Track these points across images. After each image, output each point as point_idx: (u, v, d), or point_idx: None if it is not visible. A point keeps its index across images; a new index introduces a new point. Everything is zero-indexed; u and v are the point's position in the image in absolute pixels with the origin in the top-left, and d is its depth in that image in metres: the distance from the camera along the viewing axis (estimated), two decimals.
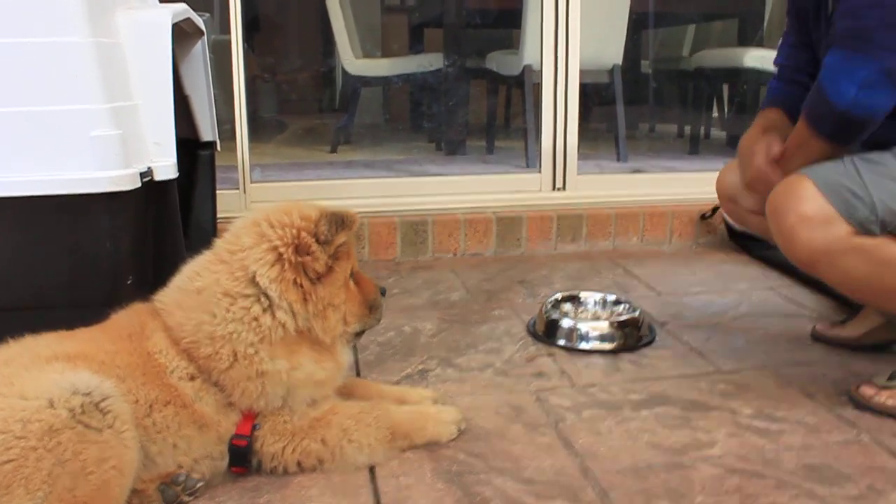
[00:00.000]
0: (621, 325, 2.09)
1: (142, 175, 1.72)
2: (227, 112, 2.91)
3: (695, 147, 4.65)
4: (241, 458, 1.37)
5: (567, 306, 2.26)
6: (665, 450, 1.54)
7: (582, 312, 2.25)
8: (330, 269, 1.39)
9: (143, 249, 1.82)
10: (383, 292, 1.55)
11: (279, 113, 5.77)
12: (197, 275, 1.36)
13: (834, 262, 1.61)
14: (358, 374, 1.87)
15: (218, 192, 2.53)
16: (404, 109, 5.60)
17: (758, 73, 4.08)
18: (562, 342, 2.08)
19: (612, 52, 3.95)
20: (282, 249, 1.34)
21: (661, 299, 2.48)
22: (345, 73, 4.64)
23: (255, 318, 1.33)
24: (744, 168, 1.85)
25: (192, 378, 1.32)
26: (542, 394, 1.79)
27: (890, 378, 1.71)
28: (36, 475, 1.09)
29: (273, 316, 1.33)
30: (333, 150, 4.64)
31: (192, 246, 2.12)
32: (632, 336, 2.08)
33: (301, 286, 1.35)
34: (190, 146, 2.33)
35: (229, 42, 2.88)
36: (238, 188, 2.91)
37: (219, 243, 1.40)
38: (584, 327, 2.09)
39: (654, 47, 5.39)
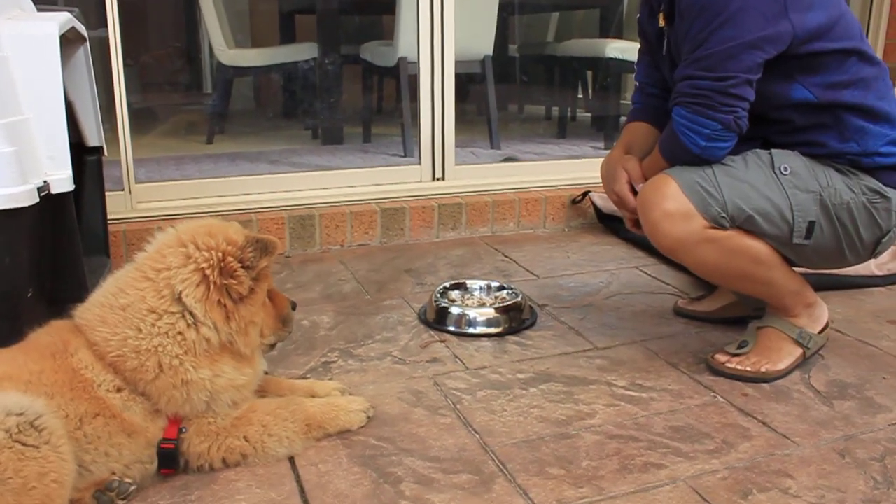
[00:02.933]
0: (506, 310, 2.27)
1: (39, 190, 1.74)
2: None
3: (562, 130, 4.91)
4: (170, 460, 1.45)
5: (455, 294, 2.43)
6: (552, 422, 1.73)
7: (469, 299, 2.41)
8: (251, 291, 1.49)
9: (41, 262, 1.84)
10: (294, 307, 1.66)
11: (144, 99, 5.61)
12: (121, 291, 1.43)
13: (690, 251, 1.85)
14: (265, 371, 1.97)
15: None
16: (277, 97, 5.59)
17: (618, 63, 4.38)
18: (452, 328, 2.24)
19: (484, 43, 4.12)
20: (208, 272, 1.43)
21: (539, 282, 2.69)
22: (218, 63, 4.60)
23: (180, 333, 1.41)
24: (610, 180, 2.07)
25: (119, 390, 1.40)
26: (439, 378, 1.95)
27: (739, 346, 1.97)
28: None
29: (197, 331, 1.42)
30: (210, 141, 4.62)
31: (85, 252, 2.14)
32: (515, 319, 2.27)
33: (225, 306, 1.45)
34: (76, 151, 2.33)
35: (99, 37, 2.83)
36: (123, 189, 2.90)
37: (142, 259, 1.47)
38: (471, 313, 2.26)
39: (521, 33, 5.62)
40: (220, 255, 1.44)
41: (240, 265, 1.45)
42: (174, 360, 1.41)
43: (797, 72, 1.81)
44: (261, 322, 1.53)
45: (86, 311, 1.45)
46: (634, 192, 1.98)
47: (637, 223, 1.97)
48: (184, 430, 1.46)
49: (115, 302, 1.42)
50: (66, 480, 1.24)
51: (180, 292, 1.41)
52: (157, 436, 1.44)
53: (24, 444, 1.20)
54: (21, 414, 1.23)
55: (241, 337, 1.47)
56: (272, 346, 1.64)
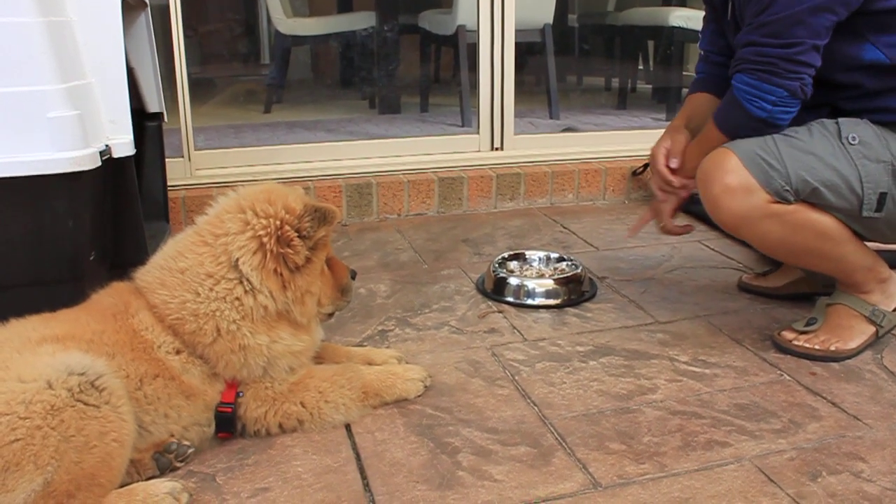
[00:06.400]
0: (565, 282, 2.23)
1: (101, 154, 1.75)
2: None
3: (622, 101, 4.80)
4: (227, 424, 1.46)
5: (513, 264, 2.39)
6: (613, 396, 1.69)
7: (527, 270, 2.38)
8: (308, 261, 1.47)
9: (103, 225, 1.86)
10: (353, 275, 1.64)
11: (203, 68, 5.63)
12: (180, 255, 1.43)
13: (753, 227, 1.77)
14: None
15: None
16: (335, 66, 5.57)
17: (682, 32, 4.25)
18: (510, 299, 2.21)
19: (544, 12, 4.03)
20: (265, 240, 1.42)
21: (598, 254, 2.63)
22: (276, 32, 4.60)
23: (238, 298, 1.41)
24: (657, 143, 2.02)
25: (178, 352, 1.40)
26: (497, 349, 1.92)
27: (807, 324, 1.90)
28: (44, 452, 1.16)
29: (255, 298, 1.42)
30: (267, 111, 4.63)
31: (145, 217, 2.16)
32: (575, 291, 2.22)
33: (281, 275, 1.44)
34: (136, 117, 2.35)
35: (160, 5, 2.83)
36: (182, 156, 2.92)
37: (202, 224, 1.47)
38: (530, 284, 2.22)
39: (581, 2, 5.49)
40: (277, 223, 1.42)
41: (297, 234, 1.44)
42: (231, 325, 1.40)
43: (869, 31, 1.71)
44: (318, 291, 1.51)
45: (146, 274, 1.46)
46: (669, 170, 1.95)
47: (662, 189, 1.96)
48: (241, 394, 1.46)
49: (174, 265, 1.42)
50: (127, 440, 1.25)
51: (237, 259, 1.41)
52: (215, 399, 1.44)
53: (85, 404, 1.22)
54: (83, 374, 1.24)
55: (298, 306, 1.46)
56: (330, 315, 1.63)
